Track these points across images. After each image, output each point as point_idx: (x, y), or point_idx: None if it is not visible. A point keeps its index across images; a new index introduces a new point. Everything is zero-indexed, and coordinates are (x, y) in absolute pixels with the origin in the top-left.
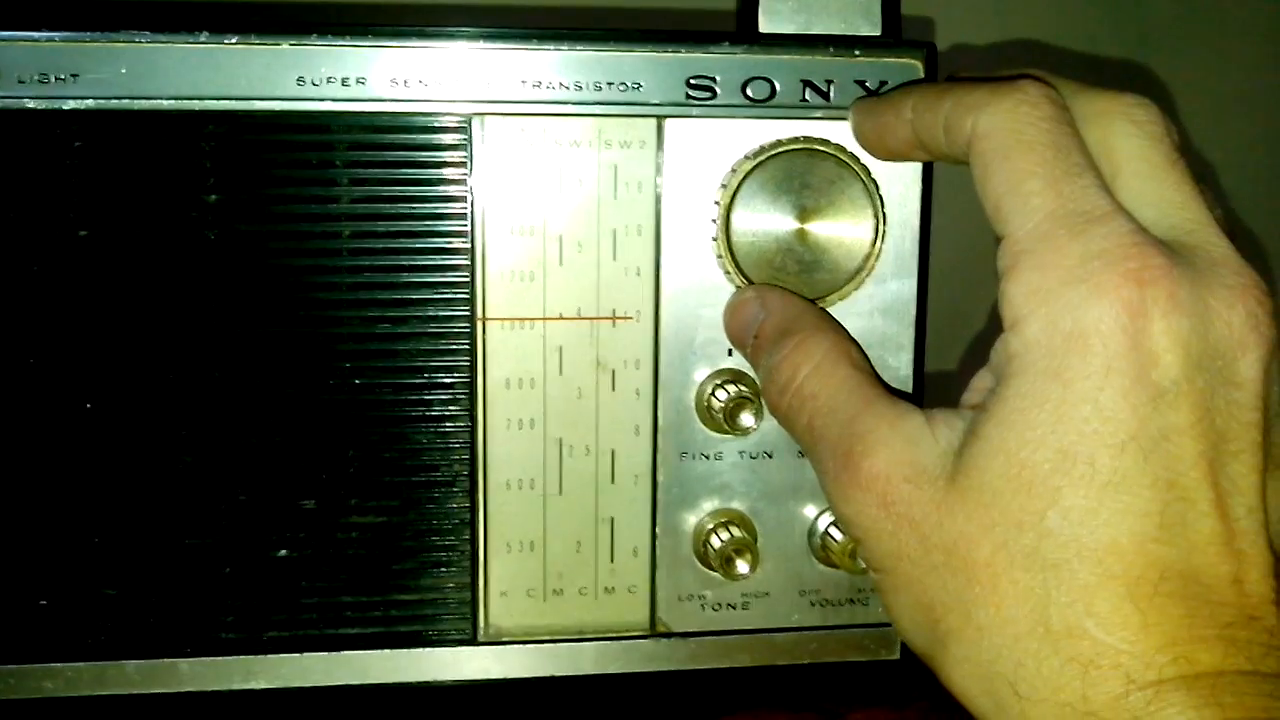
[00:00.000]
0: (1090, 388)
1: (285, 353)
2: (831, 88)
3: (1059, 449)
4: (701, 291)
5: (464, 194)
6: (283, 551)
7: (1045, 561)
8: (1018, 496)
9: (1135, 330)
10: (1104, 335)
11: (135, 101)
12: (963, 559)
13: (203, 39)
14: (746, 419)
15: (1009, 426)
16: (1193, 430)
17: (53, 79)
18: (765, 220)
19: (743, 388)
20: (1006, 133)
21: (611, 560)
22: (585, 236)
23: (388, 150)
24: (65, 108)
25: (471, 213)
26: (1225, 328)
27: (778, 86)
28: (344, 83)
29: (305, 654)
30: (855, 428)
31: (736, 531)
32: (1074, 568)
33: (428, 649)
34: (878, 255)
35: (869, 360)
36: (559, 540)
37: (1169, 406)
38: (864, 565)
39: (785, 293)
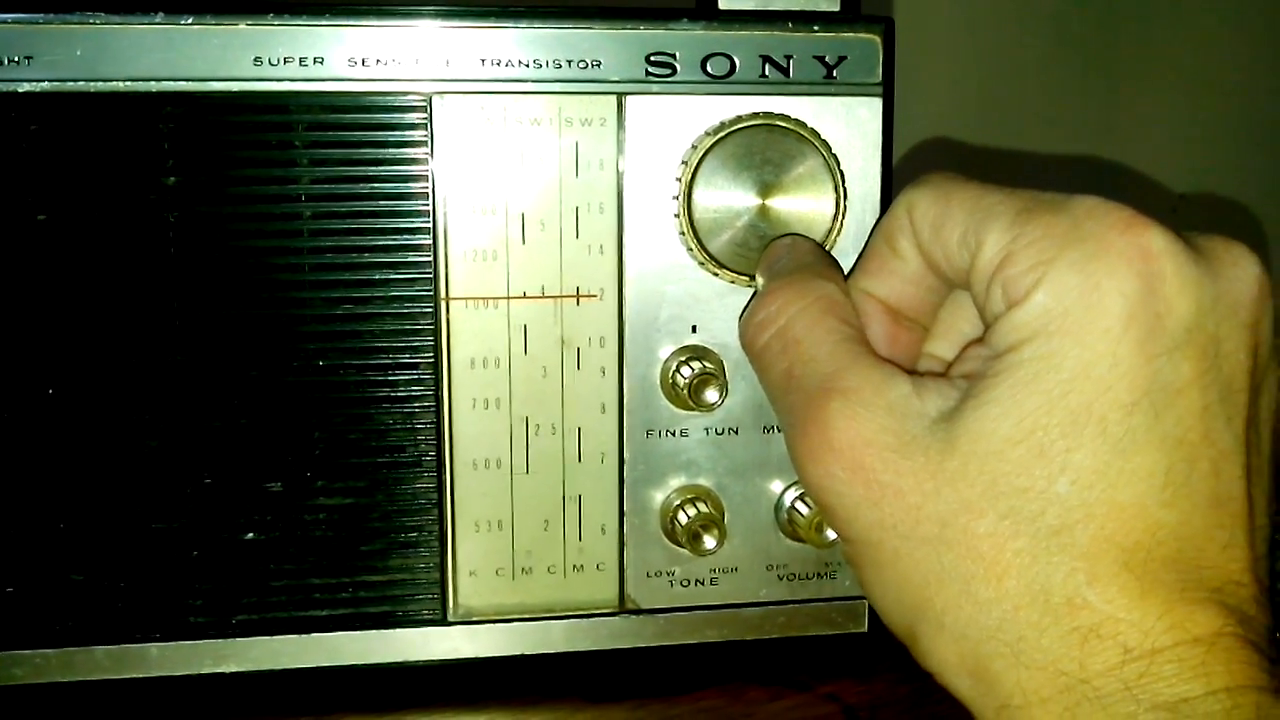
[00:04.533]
0: (1109, 342)
1: (248, 335)
2: (791, 63)
3: (1071, 410)
4: (665, 268)
5: (425, 173)
6: (250, 534)
7: (1048, 529)
8: (1026, 462)
9: (1150, 275)
10: (1120, 284)
11: (91, 83)
12: (961, 530)
13: (158, 20)
14: (711, 395)
15: (1020, 388)
16: (1198, 382)
17: (6, 61)
18: (727, 196)
19: (707, 364)
20: (938, 188)
21: (579, 538)
22: (547, 215)
23: (347, 130)
24: (20, 90)
25: (433, 192)
26: (1232, 269)
27: (737, 63)
28: (302, 62)
29: (275, 636)
30: (836, 383)
31: (703, 507)
32: (1076, 535)
33: (398, 629)
34: (839, 230)
35: (860, 322)
36: (527, 519)
37: (1181, 356)
38: (831, 537)
39: (815, 245)
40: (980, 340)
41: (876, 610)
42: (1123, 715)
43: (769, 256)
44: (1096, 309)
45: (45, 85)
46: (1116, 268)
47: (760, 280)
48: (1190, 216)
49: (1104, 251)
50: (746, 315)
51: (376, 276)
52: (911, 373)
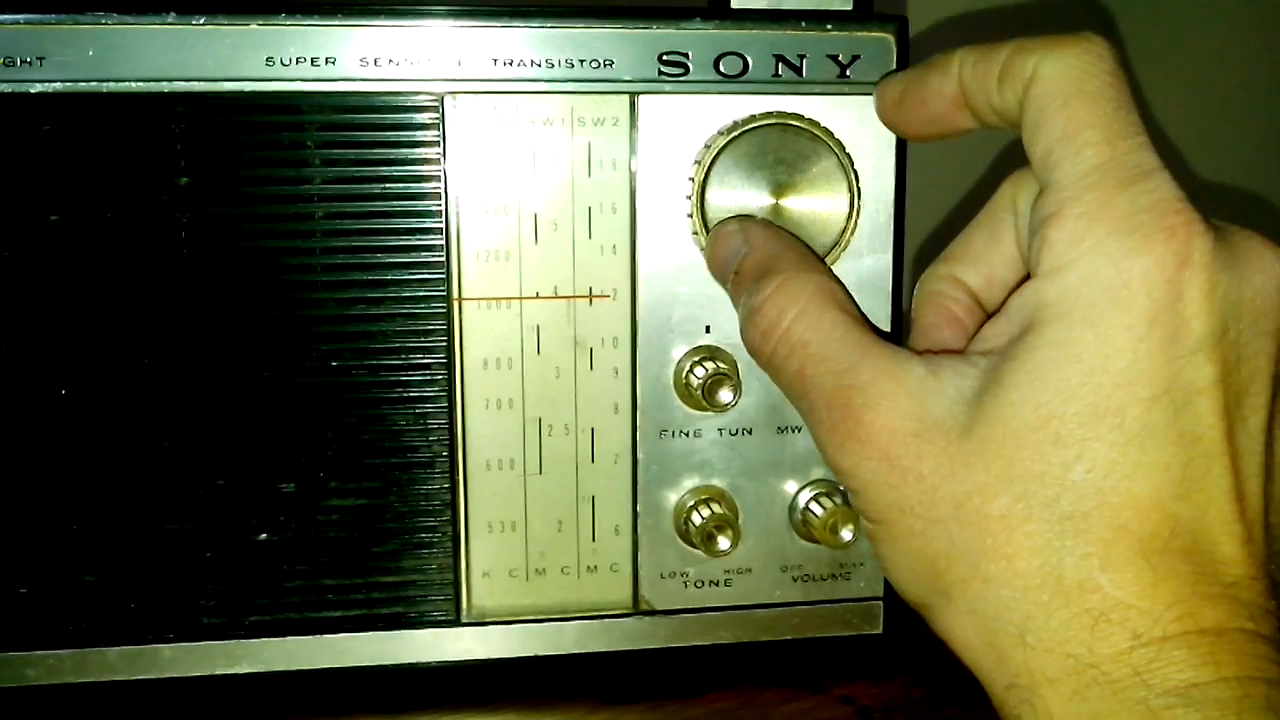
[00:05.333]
0: (1130, 339)
1: (261, 336)
2: (804, 62)
3: (1090, 401)
4: (678, 268)
5: (437, 173)
6: (263, 535)
7: (1063, 514)
8: (1042, 448)
9: (1181, 282)
10: (1150, 287)
11: (103, 84)
12: (974, 511)
13: (170, 20)
14: (725, 395)
15: (1039, 376)
16: (1219, 384)
17: (18, 62)
18: (740, 196)
19: (720, 364)
20: (1069, 80)
21: (593, 539)
22: (560, 215)
23: (359, 130)
24: (32, 91)
25: (445, 192)
26: (1259, 276)
27: (750, 62)
28: (314, 62)
29: (288, 638)
30: (853, 378)
31: (717, 508)
32: (1091, 521)
33: (411, 631)
34: (853, 230)
35: (856, 302)
36: (540, 520)
37: (1204, 359)
38: (846, 538)
39: (769, 226)
40: (1000, 312)
41: (891, 582)
42: (1134, 700)
43: (722, 251)
44: (1122, 305)
45: (57, 86)
46: (1150, 271)
47: (719, 276)
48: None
49: (1144, 251)
50: (746, 325)
51: (389, 277)
52: (925, 354)
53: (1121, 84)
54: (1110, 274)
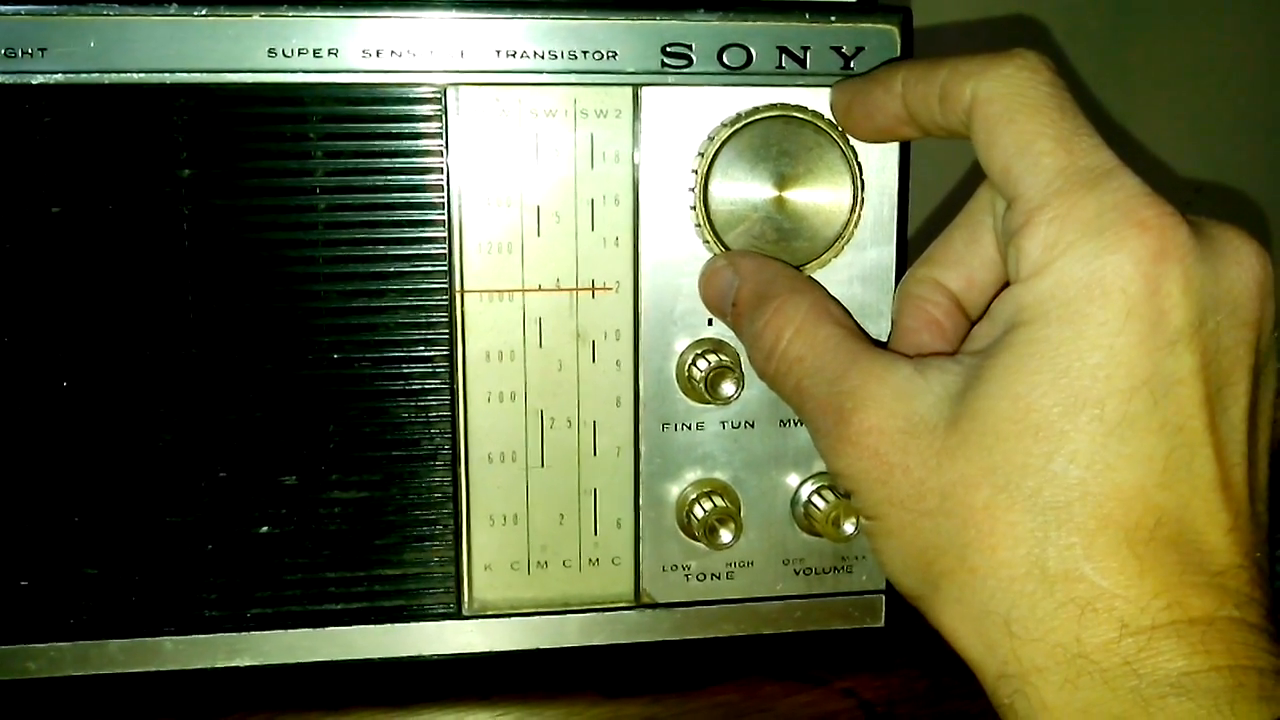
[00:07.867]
0: (1106, 334)
1: (263, 328)
2: (808, 54)
3: (1069, 394)
4: (681, 261)
5: (440, 165)
6: (265, 528)
7: (1046, 505)
8: (1023, 440)
9: (1156, 276)
10: (1125, 282)
11: (105, 75)
12: (959, 502)
13: (172, 11)
14: (728, 388)
15: (1017, 371)
16: (1200, 374)
17: (20, 53)
18: (743, 188)
19: (723, 357)
20: (1010, 96)
21: (595, 532)
22: (563, 207)
23: (362, 123)
24: (34, 82)
25: (448, 184)
26: (1235, 269)
27: (754, 53)
28: (316, 54)
29: (289, 630)
30: (843, 384)
31: (719, 501)
32: (1074, 511)
33: (412, 624)
34: (856, 222)
35: (850, 315)
36: (542, 513)
37: (1183, 350)
38: (849, 532)
39: (758, 256)
40: (986, 315)
41: (887, 576)
42: (1126, 689)
43: (715, 286)
44: (1098, 303)
45: (59, 77)
46: (1124, 267)
47: (716, 311)
48: (1202, 209)
49: (1116, 248)
50: (752, 351)
51: (391, 269)
52: (915, 357)
53: (1062, 91)
54: (1084, 274)
